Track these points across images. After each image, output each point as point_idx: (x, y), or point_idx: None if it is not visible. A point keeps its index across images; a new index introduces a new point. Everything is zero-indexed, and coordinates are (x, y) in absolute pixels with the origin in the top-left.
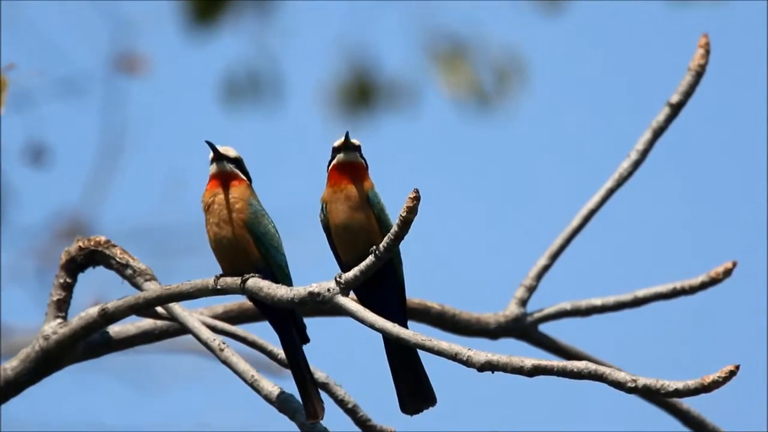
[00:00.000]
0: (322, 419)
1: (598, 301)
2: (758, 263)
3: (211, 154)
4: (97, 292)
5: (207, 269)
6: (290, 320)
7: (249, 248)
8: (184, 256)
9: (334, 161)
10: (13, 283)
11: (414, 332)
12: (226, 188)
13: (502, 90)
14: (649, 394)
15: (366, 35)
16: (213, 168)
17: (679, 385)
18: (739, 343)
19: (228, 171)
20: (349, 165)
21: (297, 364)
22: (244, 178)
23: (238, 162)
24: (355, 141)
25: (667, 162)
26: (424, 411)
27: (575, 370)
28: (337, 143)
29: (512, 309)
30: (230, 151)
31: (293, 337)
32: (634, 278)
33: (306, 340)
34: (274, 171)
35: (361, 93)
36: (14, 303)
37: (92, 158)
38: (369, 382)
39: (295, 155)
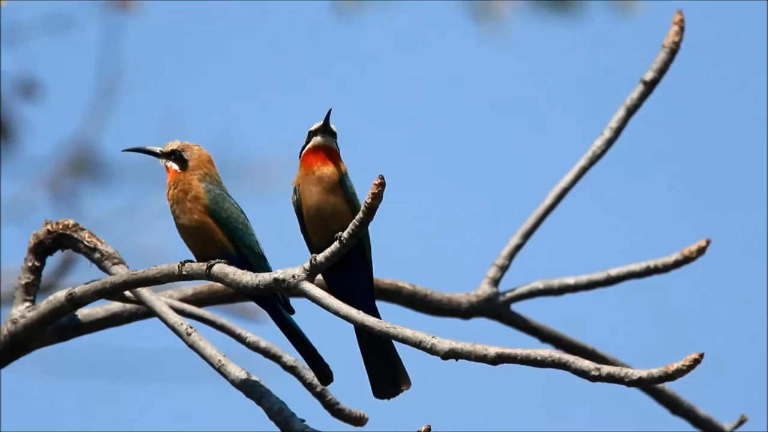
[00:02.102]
0: (332, 382)
1: (570, 280)
2: (732, 241)
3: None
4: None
5: None
6: (273, 297)
7: (214, 234)
8: None
9: (310, 144)
10: (20, 216)
11: (378, 320)
12: (177, 181)
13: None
14: (613, 382)
15: None
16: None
17: (643, 373)
18: (711, 320)
19: (171, 168)
20: (326, 148)
21: (293, 334)
22: (178, 168)
23: (174, 154)
24: (333, 126)
25: (640, 140)
26: (399, 395)
27: (539, 358)
28: (314, 126)
29: (484, 288)
30: (168, 146)
31: (281, 311)
32: (607, 257)
33: (291, 311)
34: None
35: None
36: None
37: (91, 91)
38: (339, 366)
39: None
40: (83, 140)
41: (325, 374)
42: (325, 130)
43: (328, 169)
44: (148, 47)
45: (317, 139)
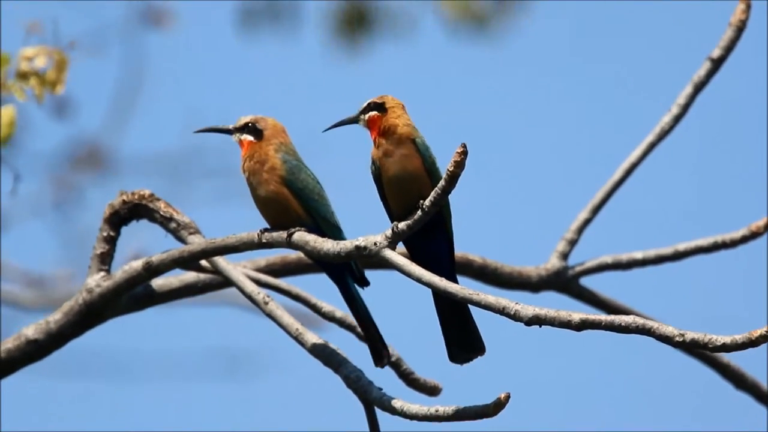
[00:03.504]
0: (388, 363)
1: (638, 255)
2: None
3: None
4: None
5: (225, 191)
6: (345, 269)
7: (290, 205)
8: (201, 180)
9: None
10: (31, 213)
11: (461, 286)
12: (253, 152)
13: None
14: (697, 348)
15: None
16: (233, 139)
17: (727, 339)
18: None
19: (246, 141)
20: (370, 122)
21: (357, 311)
22: (254, 139)
23: (248, 127)
24: (362, 106)
25: (707, 117)
26: (473, 360)
27: (623, 324)
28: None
29: (553, 262)
30: (240, 120)
31: (350, 285)
32: (675, 232)
33: (365, 283)
34: (292, 97)
35: (360, 19)
36: (36, 238)
37: (112, 94)
38: (410, 337)
39: (313, 80)
40: (96, 137)
41: (380, 354)
42: (361, 112)
43: (408, 142)
44: (171, 53)
45: (360, 124)
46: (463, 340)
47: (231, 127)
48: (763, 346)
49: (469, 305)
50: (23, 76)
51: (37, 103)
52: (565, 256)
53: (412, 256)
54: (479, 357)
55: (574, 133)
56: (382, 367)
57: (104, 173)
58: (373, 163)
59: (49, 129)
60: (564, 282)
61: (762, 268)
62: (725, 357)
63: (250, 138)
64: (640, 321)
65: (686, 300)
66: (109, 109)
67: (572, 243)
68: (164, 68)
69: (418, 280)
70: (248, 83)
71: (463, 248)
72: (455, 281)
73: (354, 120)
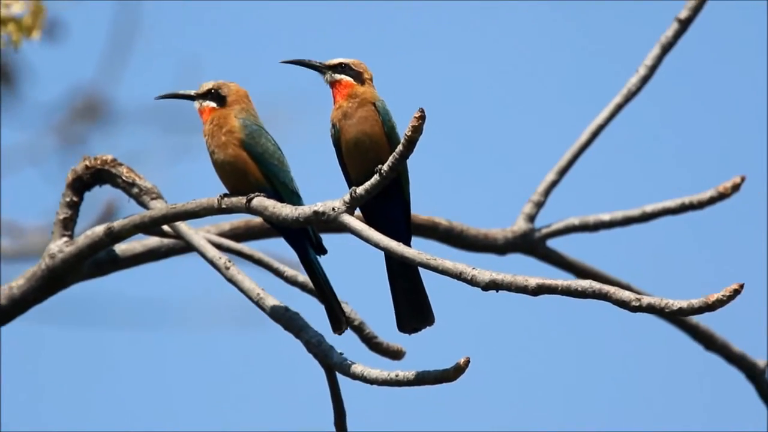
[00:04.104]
0: (347, 328)
1: (606, 217)
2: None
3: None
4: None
5: None
6: (303, 235)
7: (249, 169)
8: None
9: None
10: (30, 167)
11: (418, 251)
12: (213, 117)
13: None
14: (653, 312)
15: None
16: (195, 106)
17: (683, 303)
18: (746, 257)
19: (204, 107)
20: (337, 83)
21: (316, 277)
22: (216, 105)
23: (210, 93)
24: (332, 61)
25: (675, 78)
26: (422, 330)
27: (579, 288)
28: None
29: (520, 224)
30: (204, 86)
31: (308, 251)
32: (642, 194)
33: (323, 251)
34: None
35: None
36: (33, 190)
37: (107, 37)
38: (374, 301)
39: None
40: (95, 86)
41: (338, 320)
42: (331, 68)
43: (368, 105)
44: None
45: (327, 77)
46: (413, 309)
47: (193, 93)
48: (728, 307)
49: (423, 273)
50: (1, 21)
51: (14, 49)
52: (531, 218)
53: (369, 221)
54: (428, 327)
55: (540, 94)
56: (340, 333)
57: (103, 123)
58: (333, 125)
59: (49, 79)
60: (531, 244)
61: (730, 229)
62: (693, 319)
63: (212, 104)
64: (596, 286)
65: (654, 261)
66: (105, 54)
67: (539, 205)
68: (160, 12)
69: (376, 245)
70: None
71: (429, 211)
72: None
73: (318, 69)
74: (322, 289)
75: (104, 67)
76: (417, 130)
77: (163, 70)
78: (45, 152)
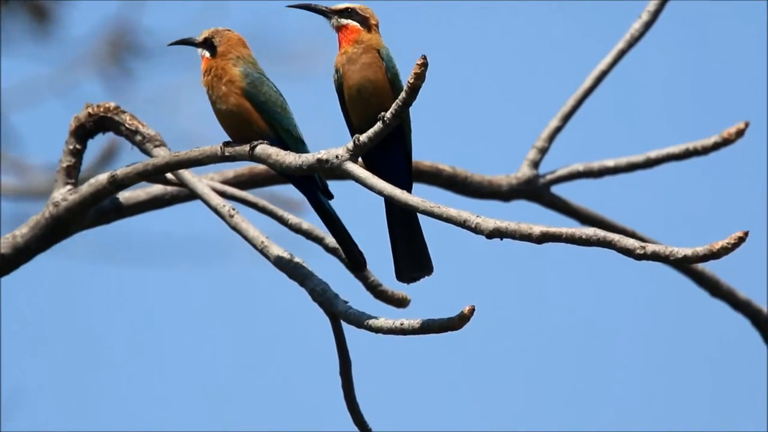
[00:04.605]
0: (365, 270)
1: (610, 162)
2: None
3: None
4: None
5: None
6: (311, 181)
7: (252, 118)
8: None
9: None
10: (59, 98)
11: (422, 199)
12: (210, 67)
13: None
14: (658, 260)
15: None
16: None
17: (688, 251)
18: (752, 204)
19: (205, 56)
20: (344, 28)
21: (330, 219)
22: (210, 55)
23: (206, 42)
24: (339, 6)
25: (678, 23)
26: (420, 280)
27: (584, 236)
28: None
29: (524, 171)
30: (201, 35)
31: (318, 195)
32: (647, 139)
33: (329, 196)
34: None
35: None
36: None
37: None
38: (376, 249)
39: None
40: (123, 20)
41: (358, 261)
42: (337, 12)
43: (372, 51)
44: None
45: (333, 21)
46: (412, 258)
47: (196, 41)
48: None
49: (425, 221)
50: None
51: None
52: (536, 164)
53: (370, 168)
54: (426, 277)
55: (543, 40)
56: (362, 271)
57: (138, 58)
58: (336, 71)
59: (85, 16)
60: (535, 190)
61: (735, 175)
62: (699, 265)
63: (206, 54)
64: (600, 233)
65: (658, 207)
66: None
67: (543, 151)
68: None
69: (380, 192)
70: None
71: (432, 157)
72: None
73: (324, 14)
74: (336, 230)
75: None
76: (419, 77)
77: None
78: (72, 84)
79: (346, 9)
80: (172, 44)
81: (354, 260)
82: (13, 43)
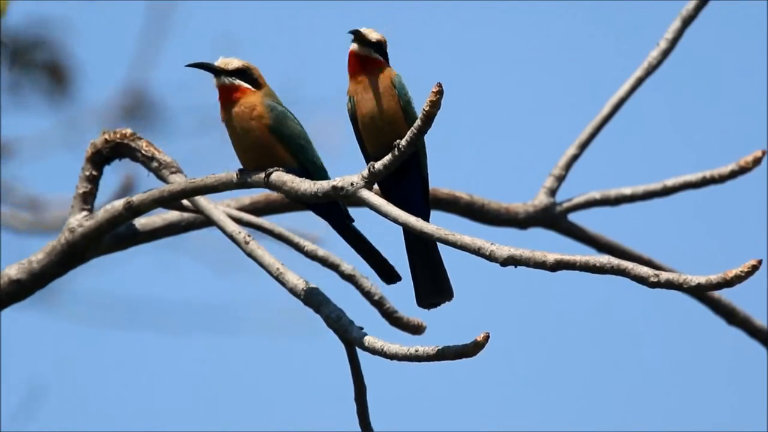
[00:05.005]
0: (400, 280)
1: (627, 191)
2: None
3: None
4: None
5: None
6: (334, 205)
7: (276, 151)
8: None
9: (350, 48)
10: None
11: (437, 227)
12: (236, 100)
13: None
14: (672, 288)
15: None
16: (215, 83)
17: (702, 279)
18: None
19: (228, 84)
20: (360, 57)
21: (355, 239)
22: (248, 85)
23: (241, 72)
24: (372, 35)
25: (695, 51)
26: (440, 306)
27: (598, 264)
28: (355, 30)
29: (541, 198)
30: (231, 62)
31: (341, 217)
32: (664, 167)
33: (350, 220)
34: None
35: None
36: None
37: (142, 27)
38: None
39: None
40: (135, 82)
41: (390, 274)
42: (357, 38)
43: (385, 78)
44: None
45: (354, 46)
46: (431, 284)
47: (219, 68)
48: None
49: (442, 247)
50: None
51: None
52: (552, 192)
53: (386, 195)
54: (446, 302)
55: (561, 68)
56: (395, 282)
57: (151, 122)
58: (350, 99)
59: (100, 78)
60: (552, 218)
61: (750, 202)
62: (715, 293)
63: (246, 85)
64: (614, 261)
65: (675, 235)
66: (138, 45)
67: (560, 179)
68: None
69: (395, 220)
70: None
71: (449, 185)
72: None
73: (215, 71)
74: (361, 247)
75: (142, 59)
76: (435, 105)
77: (199, 53)
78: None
79: (376, 42)
80: (189, 66)
81: (386, 273)
82: (27, 100)
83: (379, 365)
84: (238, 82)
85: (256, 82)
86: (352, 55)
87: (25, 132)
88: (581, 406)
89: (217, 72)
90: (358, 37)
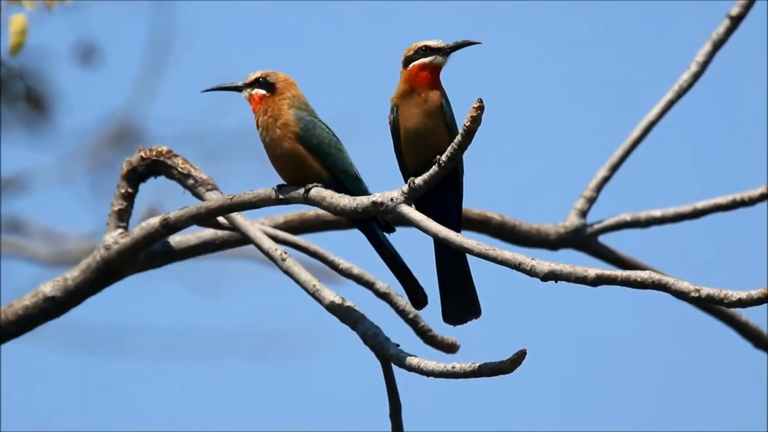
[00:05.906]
0: (426, 305)
1: (657, 213)
2: None
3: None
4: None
5: (259, 175)
6: (371, 219)
7: (306, 162)
8: (234, 160)
9: (425, 61)
10: (62, 187)
11: (477, 242)
12: (267, 107)
13: None
14: (712, 303)
15: None
16: (244, 96)
17: (743, 295)
18: None
19: (248, 96)
20: (439, 71)
21: (389, 256)
22: (263, 91)
23: (258, 82)
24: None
25: (726, 74)
26: (468, 322)
27: (639, 279)
28: (436, 44)
29: (572, 220)
30: (251, 75)
31: (376, 232)
32: (694, 190)
33: (391, 229)
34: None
35: None
36: (65, 207)
37: (141, 59)
38: (431, 294)
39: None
40: (128, 113)
41: (418, 298)
42: (450, 52)
43: (434, 94)
44: (199, 12)
45: (438, 59)
46: (460, 301)
47: (240, 84)
48: None
49: (477, 264)
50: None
51: (48, 9)
52: (583, 213)
53: (421, 210)
54: (474, 320)
55: (593, 90)
56: (421, 308)
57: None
58: (392, 109)
59: (83, 103)
60: (583, 240)
61: None
62: (744, 315)
63: (262, 91)
64: (655, 276)
65: (705, 257)
66: (138, 75)
67: (591, 201)
68: (193, 23)
69: (435, 235)
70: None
71: (481, 205)
72: None
73: (237, 89)
74: (396, 267)
75: (137, 92)
76: (476, 121)
77: (198, 90)
78: (75, 175)
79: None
80: (206, 91)
81: (414, 297)
82: (11, 132)
83: (415, 383)
84: (255, 91)
85: (272, 87)
86: (434, 68)
87: (21, 165)
88: (616, 424)
89: (239, 88)
90: (452, 50)
